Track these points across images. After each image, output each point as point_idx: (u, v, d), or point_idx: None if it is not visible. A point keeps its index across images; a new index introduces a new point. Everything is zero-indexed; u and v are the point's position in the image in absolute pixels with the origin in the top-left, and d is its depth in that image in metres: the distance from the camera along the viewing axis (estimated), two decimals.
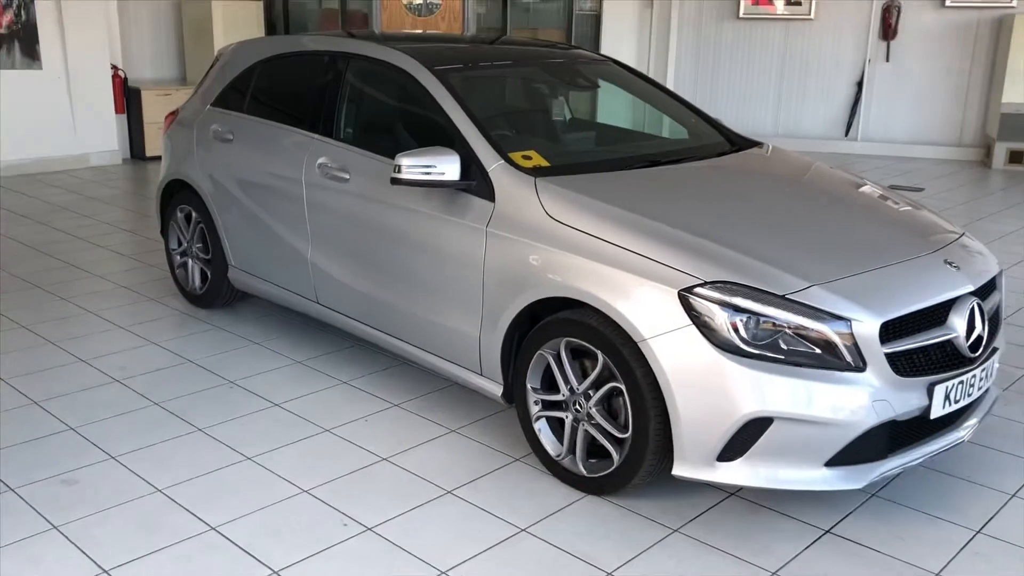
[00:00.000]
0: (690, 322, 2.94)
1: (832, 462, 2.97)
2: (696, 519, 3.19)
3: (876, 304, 2.95)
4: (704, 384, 2.93)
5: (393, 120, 4.33)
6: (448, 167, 3.54)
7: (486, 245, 3.50)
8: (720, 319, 2.91)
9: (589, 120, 4.81)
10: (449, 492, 3.33)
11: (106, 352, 4.56)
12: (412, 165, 3.52)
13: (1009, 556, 3.02)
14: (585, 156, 4.14)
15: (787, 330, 2.90)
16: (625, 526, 3.14)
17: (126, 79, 9.90)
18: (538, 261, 3.32)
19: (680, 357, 2.96)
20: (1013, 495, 3.39)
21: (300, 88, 4.64)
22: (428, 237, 3.73)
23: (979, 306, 3.19)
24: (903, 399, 2.98)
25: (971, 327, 3.16)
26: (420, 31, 10.32)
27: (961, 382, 3.12)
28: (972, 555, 3.02)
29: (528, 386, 3.43)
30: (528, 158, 3.68)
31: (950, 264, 3.24)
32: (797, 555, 3.00)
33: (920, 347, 3.03)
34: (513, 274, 3.40)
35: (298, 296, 4.50)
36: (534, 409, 3.44)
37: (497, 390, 3.59)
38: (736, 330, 2.90)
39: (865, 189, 4.02)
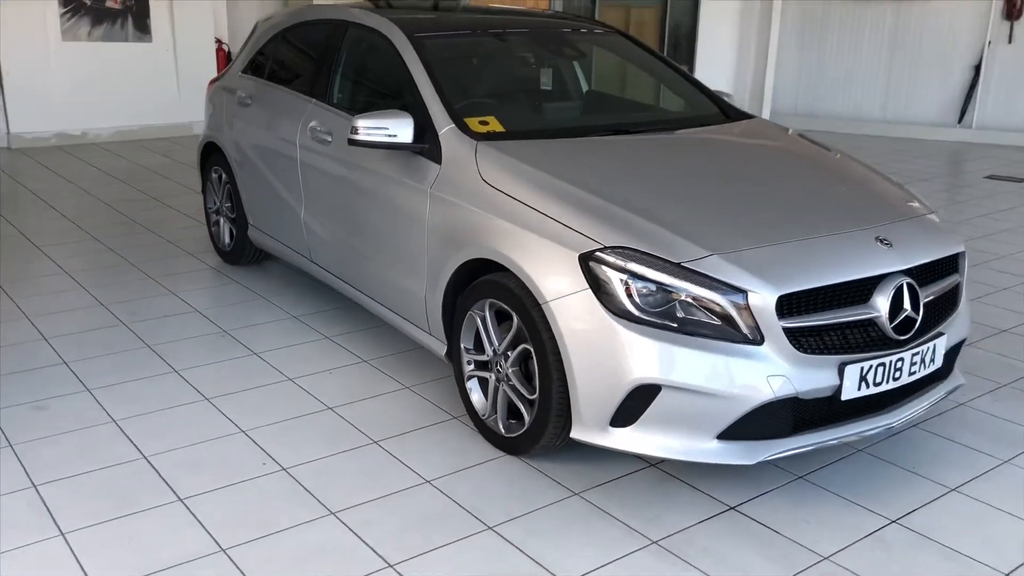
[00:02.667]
0: (587, 286, 2.95)
1: (725, 435, 2.92)
2: (602, 485, 3.19)
3: (775, 277, 2.87)
4: (598, 348, 2.93)
5: (376, 84, 4.46)
6: (401, 129, 3.64)
7: (429, 206, 3.59)
8: (616, 284, 2.90)
9: (578, 90, 4.76)
10: (375, 442, 3.45)
11: (126, 299, 4.91)
12: (367, 127, 3.64)
13: (915, 548, 2.89)
14: (548, 123, 4.14)
15: (684, 299, 2.86)
16: (529, 486, 3.17)
17: (229, 53, 10.45)
18: (470, 223, 3.38)
19: (577, 320, 2.97)
20: (952, 489, 3.22)
21: (306, 55, 4.85)
22: (386, 198, 3.85)
23: (909, 286, 3.03)
24: (806, 377, 2.89)
25: (897, 308, 3.01)
26: (482, 4, 10.40)
27: (882, 365, 2.99)
28: (873, 542, 2.91)
29: (462, 346, 3.50)
30: (485, 123, 3.73)
31: (881, 241, 3.10)
32: (686, 528, 2.96)
33: (830, 324, 2.92)
34: (450, 235, 3.48)
35: (297, 254, 4.71)
36: (467, 369, 3.51)
37: (441, 349, 3.67)
38: (630, 296, 2.89)
39: (832, 165, 3.87)
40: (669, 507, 3.07)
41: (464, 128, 3.64)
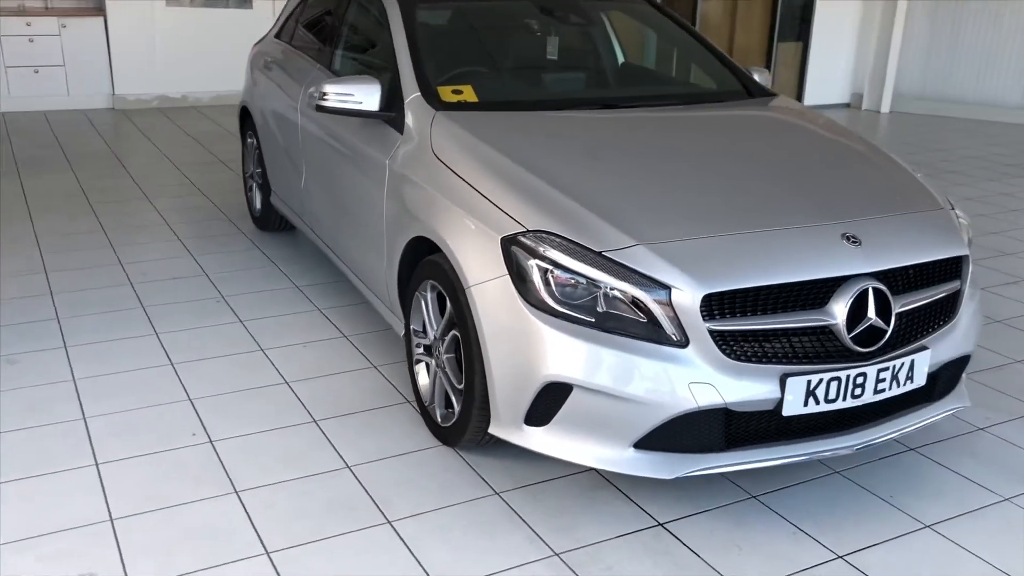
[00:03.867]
0: (506, 272, 2.71)
1: (644, 445, 2.63)
2: (529, 486, 2.96)
3: (702, 272, 2.55)
4: (513, 340, 2.70)
5: (372, 51, 4.30)
6: (367, 96, 3.48)
7: (387, 179, 3.42)
8: (535, 272, 2.66)
9: (585, 60, 4.43)
10: (315, 421, 3.33)
11: (144, 259, 4.97)
12: (335, 92, 3.50)
13: None
14: (530, 95, 3.85)
15: (606, 292, 2.59)
16: (451, 480, 2.98)
17: None
18: (417, 199, 3.20)
19: (495, 308, 2.74)
20: (925, 526, 2.83)
21: (319, 20, 4.74)
22: (356, 168, 3.71)
23: (877, 292, 2.65)
24: (738, 387, 2.57)
25: (860, 316, 2.63)
26: None
27: (836, 379, 2.63)
28: None
29: (412, 328, 3.33)
30: (458, 92, 3.53)
31: (849, 239, 2.72)
32: (598, 542, 2.70)
33: (770, 330, 2.58)
34: (402, 211, 3.30)
35: (303, 223, 4.64)
36: (416, 352, 3.34)
37: (400, 329, 3.52)
38: (548, 285, 2.63)
39: (835, 153, 3.46)
40: (590, 517, 2.81)
41: (432, 97, 3.44)
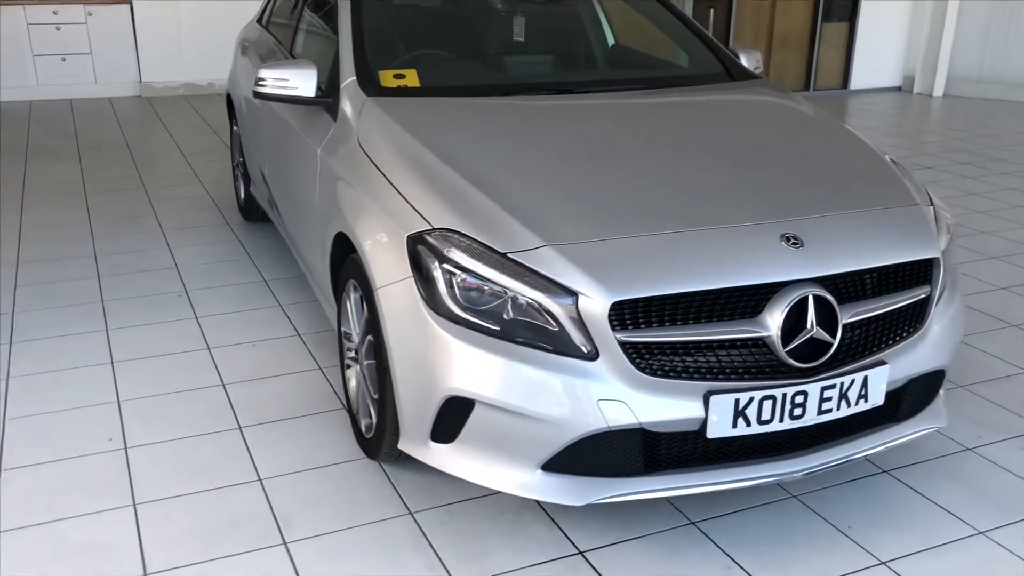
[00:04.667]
0: (411, 274, 2.47)
1: (552, 467, 2.37)
2: (448, 505, 2.72)
3: (611, 278, 2.27)
4: (417, 348, 2.46)
5: (328, 32, 4.07)
6: (302, 81, 3.27)
7: (319, 169, 3.21)
8: (438, 274, 2.41)
9: (553, 42, 4.12)
10: (239, 428, 3.15)
11: (120, 251, 4.85)
12: (271, 78, 3.30)
13: None
14: (480, 79, 3.56)
15: (514, 297, 2.33)
16: (364, 497, 2.76)
17: None
18: (341, 191, 2.98)
19: (400, 313, 2.51)
20: (880, 563, 2.51)
21: (289, 2, 4.53)
22: (300, 157, 3.51)
23: (819, 300, 2.34)
24: (655, 405, 2.30)
25: (798, 327, 2.33)
26: None
27: (771, 398, 2.33)
28: None
29: (343, 330, 3.12)
30: (400, 76, 3.29)
31: (789, 240, 2.41)
32: (507, 571, 2.45)
33: (690, 342, 2.30)
34: (330, 203, 3.09)
35: (270, 212, 4.46)
36: (347, 355, 3.12)
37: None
38: (451, 289, 2.39)
39: (804, 144, 3.13)
40: (505, 543, 2.57)
41: (369, 82, 3.21)
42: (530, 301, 2.30)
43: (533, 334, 2.31)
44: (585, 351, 2.28)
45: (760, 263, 2.34)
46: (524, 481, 2.39)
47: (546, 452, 2.34)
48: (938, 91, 10.34)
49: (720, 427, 2.32)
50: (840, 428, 2.57)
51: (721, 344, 2.31)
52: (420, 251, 2.46)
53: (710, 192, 2.61)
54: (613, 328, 2.26)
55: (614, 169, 2.73)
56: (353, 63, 3.25)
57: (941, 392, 2.81)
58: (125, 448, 3.01)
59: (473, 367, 2.34)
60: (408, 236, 2.51)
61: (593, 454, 2.35)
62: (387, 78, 3.26)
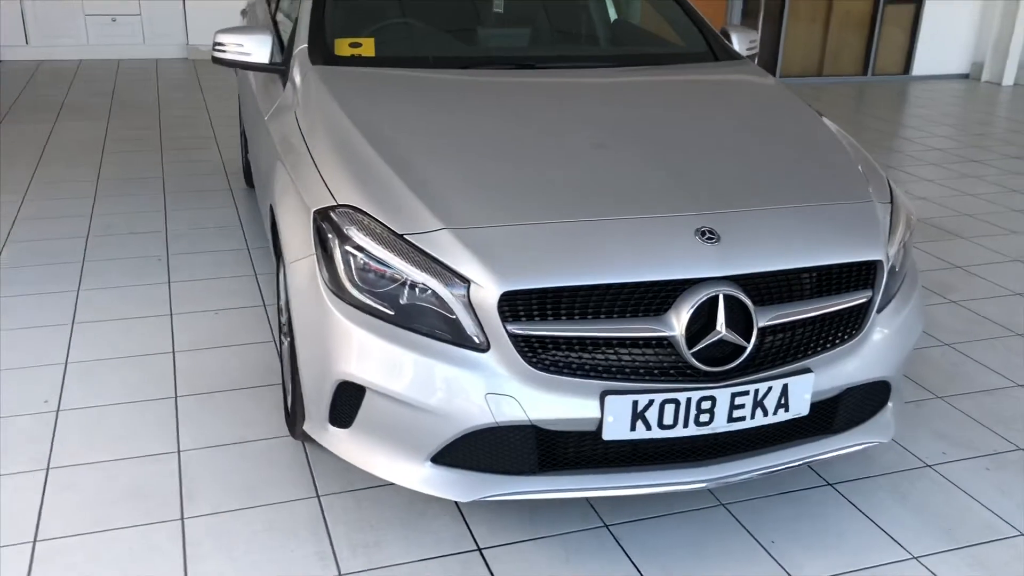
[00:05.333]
0: (314, 251, 2.39)
1: (443, 461, 2.27)
2: (357, 491, 2.65)
3: (505, 266, 2.15)
4: (316, 329, 2.38)
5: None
6: (257, 47, 3.20)
7: (266, 138, 3.14)
8: (337, 253, 2.32)
9: (535, 14, 3.94)
10: (174, 397, 3.11)
11: (117, 211, 4.88)
12: (230, 43, 3.24)
13: None
14: (438, 51, 3.42)
15: (409, 282, 2.22)
16: (278, 476, 2.70)
17: None
18: (275, 164, 2.90)
19: (303, 291, 2.43)
20: None
21: None
22: (256, 124, 3.45)
23: (730, 300, 2.17)
24: (547, 402, 2.17)
25: (706, 327, 2.17)
26: None
27: (673, 402, 2.18)
28: None
29: (280, 303, 3.05)
30: (356, 45, 3.19)
31: (704, 234, 2.24)
32: (392, 565, 2.37)
33: (586, 337, 2.16)
34: (268, 174, 3.02)
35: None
36: (284, 329, 3.06)
37: None
38: (349, 269, 2.29)
39: (760, 127, 2.93)
40: (404, 534, 2.48)
41: (321, 50, 3.12)
42: (424, 286, 2.19)
43: (427, 322, 2.20)
44: (477, 342, 2.17)
45: (669, 258, 2.19)
46: (413, 473, 2.29)
47: (434, 444, 2.24)
48: (1008, 80, 9.80)
49: (617, 429, 2.19)
50: (769, 436, 2.41)
51: (621, 342, 2.17)
52: (324, 228, 2.37)
53: (634, 179, 2.45)
54: (504, 320, 2.13)
55: (541, 151, 2.59)
56: (308, 30, 3.16)
57: (890, 404, 2.61)
58: (57, 411, 3.00)
59: (364, 353, 2.24)
60: (314, 211, 2.42)
61: (485, 449, 2.24)
62: (342, 47, 3.17)
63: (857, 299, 2.36)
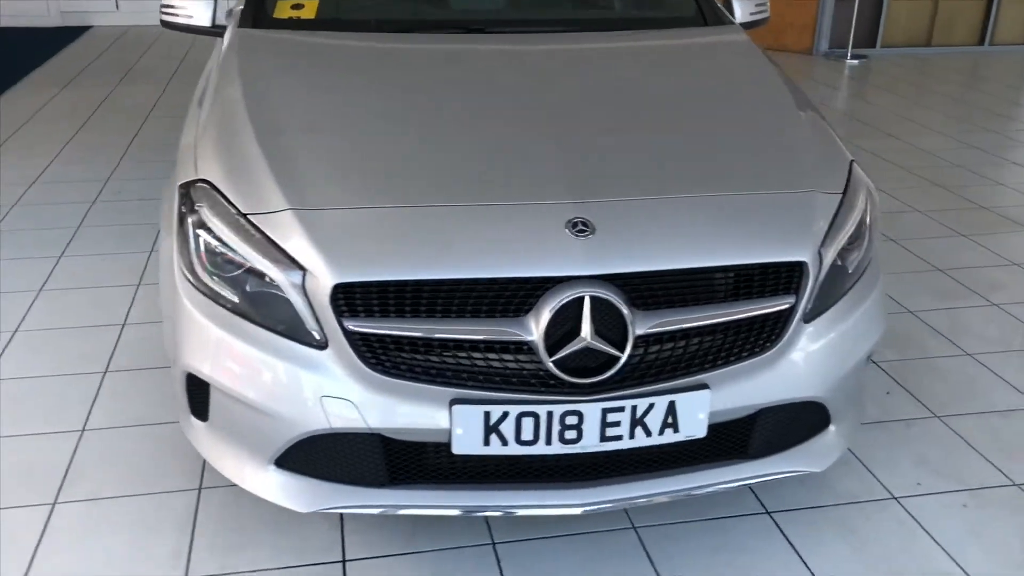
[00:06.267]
0: (178, 226, 2.22)
1: (289, 466, 2.07)
2: (238, 488, 2.48)
3: (342, 254, 1.91)
4: (170, 314, 2.22)
5: None
6: (198, 9, 3.05)
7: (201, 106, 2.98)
8: (189, 231, 2.14)
9: None
10: (104, 372, 3.03)
11: (133, 177, 4.88)
12: (176, 4, 3.10)
13: None
14: (381, 13, 3.14)
15: (252, 267, 2.03)
16: (171, 465, 2.57)
17: None
18: (193, 134, 2.74)
19: (165, 272, 2.27)
20: None
21: None
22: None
23: (598, 303, 1.88)
24: (389, 409, 1.94)
25: (569, 333, 1.89)
26: None
27: (531, 415, 1.92)
28: None
29: None
30: (298, 7, 2.99)
31: (575, 226, 1.95)
32: (248, 571, 2.19)
33: (436, 339, 1.90)
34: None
35: None
36: None
37: None
38: (199, 250, 2.11)
39: (712, 103, 2.57)
40: (274, 539, 2.31)
41: (255, 10, 2.94)
42: (263, 272, 1.98)
43: (268, 313, 2.00)
44: (316, 338, 1.95)
45: (531, 252, 1.91)
46: (256, 477, 2.10)
47: (274, 448, 2.04)
48: None
49: (467, 443, 1.93)
50: (673, 458, 2.11)
51: (474, 345, 1.91)
52: (182, 204, 2.19)
53: (522, 163, 2.17)
54: (340, 315, 1.91)
55: (440, 129, 2.33)
56: None
57: (832, 429, 2.25)
58: None
59: (203, 344, 2.06)
60: (178, 185, 2.24)
61: (329, 457, 2.03)
62: (284, 8, 2.97)
63: (772, 306, 2.02)
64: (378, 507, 2.03)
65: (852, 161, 2.37)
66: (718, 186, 2.13)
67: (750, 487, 2.49)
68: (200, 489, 2.47)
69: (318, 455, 2.03)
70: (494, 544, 2.29)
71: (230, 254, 2.03)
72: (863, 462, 2.62)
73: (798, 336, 2.07)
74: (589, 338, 1.87)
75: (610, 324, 1.89)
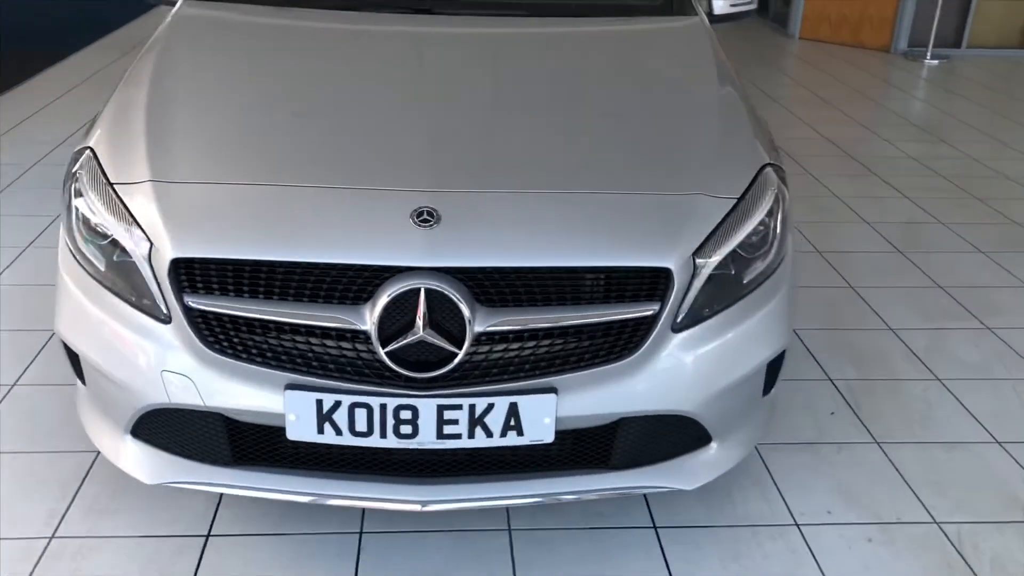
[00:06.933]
0: (74, 196, 2.25)
1: (144, 436, 2.09)
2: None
3: (184, 228, 1.90)
4: (57, 280, 2.25)
5: None
6: None
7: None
8: (69, 197, 2.17)
9: None
10: (34, 331, 3.09)
11: None
12: None
13: None
14: None
15: (114, 237, 2.04)
16: (75, 426, 2.61)
17: None
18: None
19: (61, 238, 2.30)
20: None
21: None
22: None
23: (433, 295, 1.81)
24: (224, 388, 1.93)
25: (405, 326, 1.84)
26: None
27: (363, 406, 1.88)
28: None
29: None
30: None
31: (419, 216, 1.88)
32: (113, 536, 2.22)
33: (272, 321, 1.87)
34: None
35: None
36: None
37: None
38: (78, 217, 2.14)
39: (628, 98, 2.45)
40: (152, 505, 2.34)
41: None
42: (120, 242, 1.99)
43: (124, 284, 2.00)
44: (163, 312, 1.94)
45: (371, 239, 1.86)
46: (112, 444, 2.13)
47: (125, 418, 2.06)
48: None
49: (301, 429, 1.91)
50: (532, 462, 2.04)
51: (310, 331, 1.87)
52: (68, 170, 2.22)
53: (389, 147, 2.11)
54: (181, 290, 1.90)
55: (321, 110, 2.28)
56: None
57: (714, 446, 2.13)
58: None
59: (68, 310, 2.10)
60: (75, 150, 2.27)
61: (176, 431, 2.04)
62: None
63: (632, 312, 1.91)
64: (220, 486, 2.02)
65: (768, 165, 2.23)
66: (595, 184, 2.03)
67: (645, 498, 2.39)
68: (97, 452, 2.50)
69: (167, 429, 2.04)
70: (361, 533, 2.26)
71: (97, 222, 2.04)
72: (777, 484, 2.48)
73: (663, 345, 1.96)
74: (422, 332, 1.81)
75: (450, 319, 1.83)
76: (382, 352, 1.83)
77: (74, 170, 2.15)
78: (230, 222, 1.91)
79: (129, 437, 2.09)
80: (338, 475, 2.01)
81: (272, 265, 1.86)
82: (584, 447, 2.03)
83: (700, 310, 1.99)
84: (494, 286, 1.86)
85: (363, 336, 1.85)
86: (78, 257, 2.09)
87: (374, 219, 1.89)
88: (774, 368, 2.20)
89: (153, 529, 2.24)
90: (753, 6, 3.24)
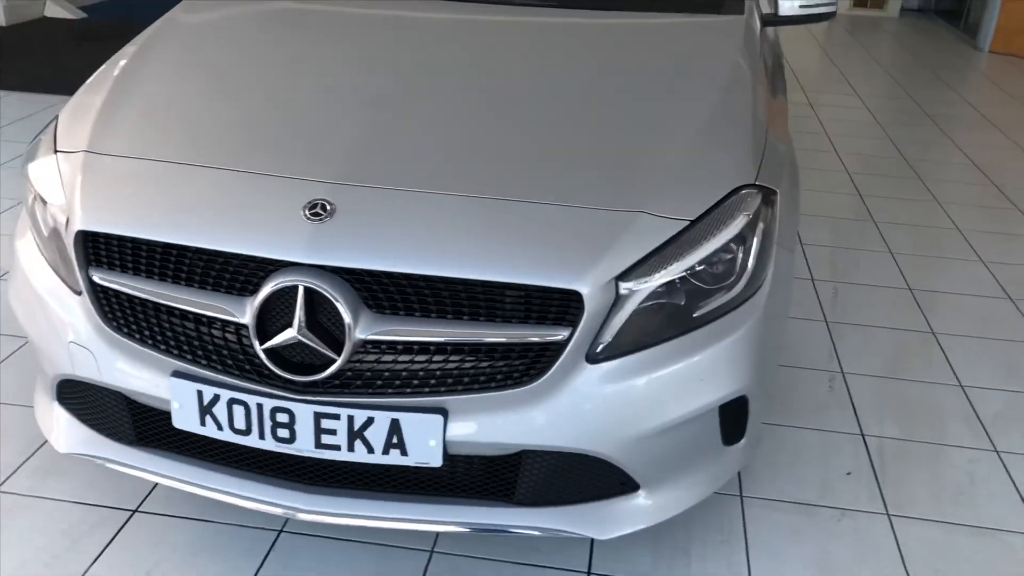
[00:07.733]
0: (29, 160, 2.28)
1: (67, 405, 2.10)
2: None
3: (95, 201, 1.88)
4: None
5: None
6: None
7: None
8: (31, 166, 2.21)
9: None
10: None
11: None
12: None
13: None
14: None
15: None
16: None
17: None
18: None
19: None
20: None
21: None
22: None
23: (312, 295, 1.70)
24: (118, 367, 1.91)
25: (281, 323, 1.74)
26: None
27: (240, 403, 1.80)
28: None
29: None
30: None
31: (310, 210, 1.76)
32: (37, 496, 2.25)
33: (163, 304, 1.82)
34: None
35: None
36: None
37: None
38: (31, 184, 2.17)
39: (639, 104, 2.18)
40: (92, 474, 2.35)
41: None
42: (50, 209, 2.00)
43: (53, 253, 2.01)
44: (78, 283, 1.93)
45: (260, 230, 1.76)
46: (42, 409, 2.15)
47: (47, 384, 2.07)
48: None
49: (186, 419, 1.84)
50: (434, 484, 1.90)
51: (197, 318, 1.80)
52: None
53: (313, 134, 2.00)
54: (88, 263, 1.88)
55: (274, 93, 2.20)
56: None
57: (640, 494, 1.90)
58: None
59: (11, 277, 2.14)
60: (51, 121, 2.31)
61: (89, 403, 2.03)
62: None
63: (537, 336, 1.72)
64: (119, 464, 2.00)
65: (749, 187, 1.95)
66: (524, 192, 1.84)
67: (591, 543, 2.18)
68: (40, 454, 2.52)
69: (82, 401, 2.03)
70: (280, 532, 2.18)
71: (39, 189, 2.06)
72: (748, 546, 2.20)
73: (574, 376, 1.76)
74: (297, 332, 1.70)
75: (335, 322, 1.71)
76: (259, 349, 1.73)
77: (38, 135, 2.18)
78: (137, 199, 1.87)
79: (56, 404, 2.10)
80: (223, 468, 1.94)
81: (167, 247, 1.80)
82: (483, 477, 1.86)
83: (628, 342, 1.77)
84: (384, 291, 1.72)
85: (243, 329, 1.76)
86: (32, 224, 2.11)
87: (267, 208, 1.79)
88: (737, 413, 1.94)
89: (87, 497, 2.25)
90: (831, 9, 2.90)
